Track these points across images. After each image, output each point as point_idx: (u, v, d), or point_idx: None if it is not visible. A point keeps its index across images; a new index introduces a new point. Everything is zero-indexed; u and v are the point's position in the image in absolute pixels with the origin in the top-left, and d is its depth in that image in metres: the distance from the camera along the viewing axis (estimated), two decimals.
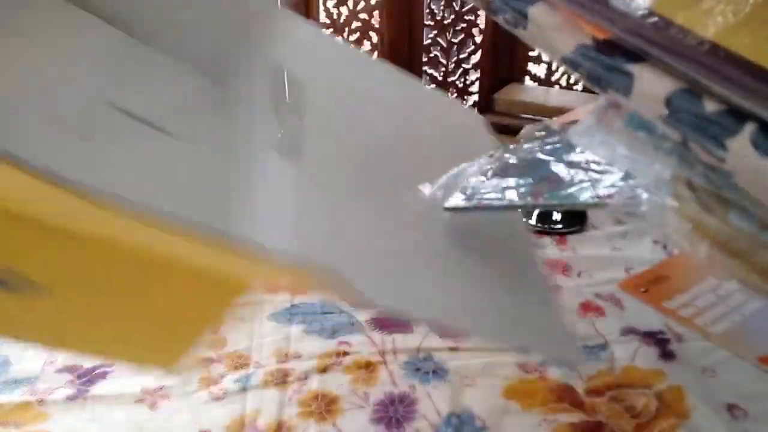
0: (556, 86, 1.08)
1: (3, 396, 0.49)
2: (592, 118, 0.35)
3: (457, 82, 1.09)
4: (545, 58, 1.07)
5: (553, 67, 1.07)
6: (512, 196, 0.40)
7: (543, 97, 0.96)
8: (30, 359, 0.53)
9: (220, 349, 0.54)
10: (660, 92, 0.24)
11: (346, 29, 1.03)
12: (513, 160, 0.43)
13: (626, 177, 0.30)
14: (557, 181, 0.40)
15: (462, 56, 1.08)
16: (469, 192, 0.41)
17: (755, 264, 0.25)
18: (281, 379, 0.50)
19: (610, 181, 0.33)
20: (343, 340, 0.54)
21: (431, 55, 1.07)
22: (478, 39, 1.07)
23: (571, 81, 1.08)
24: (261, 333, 0.55)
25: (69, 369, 0.52)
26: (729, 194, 0.24)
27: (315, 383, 0.50)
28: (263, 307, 0.59)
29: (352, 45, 1.04)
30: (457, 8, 1.03)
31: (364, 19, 1.03)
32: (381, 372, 0.50)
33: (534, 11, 0.31)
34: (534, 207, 0.41)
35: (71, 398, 0.49)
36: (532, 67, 1.08)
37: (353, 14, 1.02)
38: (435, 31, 1.05)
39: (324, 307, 0.58)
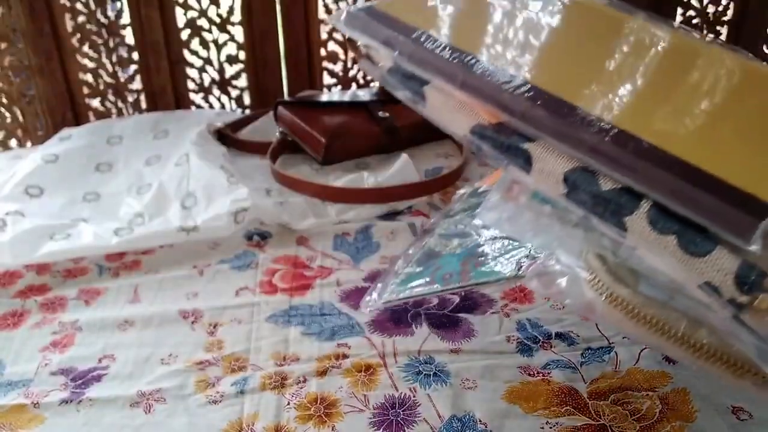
0: None
1: None
2: (497, 193, 0.36)
3: None
4: None
5: None
6: (440, 280, 0.42)
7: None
8: (24, 361, 0.52)
9: (217, 351, 0.53)
10: (557, 170, 0.25)
11: None
12: (437, 245, 0.45)
13: (540, 250, 0.31)
14: (481, 256, 0.41)
15: None
16: (397, 286, 0.43)
17: (668, 331, 0.26)
18: (279, 382, 0.49)
19: (526, 253, 0.34)
20: (342, 342, 0.53)
21: None
22: None
23: None
24: (259, 335, 0.55)
25: (63, 372, 0.51)
26: (636, 265, 0.25)
27: (314, 386, 0.49)
28: (261, 308, 0.58)
29: None
30: None
31: None
32: (381, 375, 0.50)
33: (429, 92, 0.32)
34: (462, 288, 0.43)
35: (66, 401, 0.48)
36: None
37: None
38: None
39: (323, 308, 0.58)
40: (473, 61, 0.31)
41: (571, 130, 0.25)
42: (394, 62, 0.34)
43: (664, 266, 0.23)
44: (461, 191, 0.44)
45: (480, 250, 0.41)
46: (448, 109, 0.31)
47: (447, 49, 0.32)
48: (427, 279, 0.44)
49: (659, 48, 0.35)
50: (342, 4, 1.00)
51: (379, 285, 0.45)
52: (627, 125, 0.26)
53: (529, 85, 0.29)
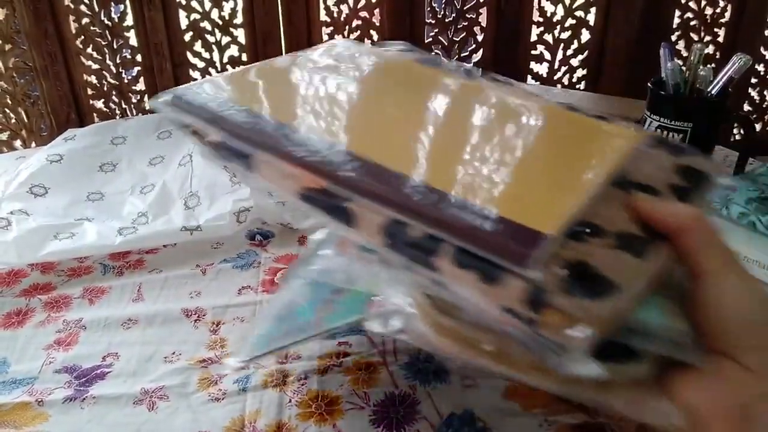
0: (558, 85, 1.08)
1: (1, 396, 0.49)
2: (331, 250, 0.40)
3: None
4: (547, 56, 1.06)
5: (555, 66, 1.07)
6: (296, 331, 0.46)
7: (545, 96, 0.96)
8: (29, 359, 0.53)
9: (219, 349, 0.53)
10: (376, 225, 0.30)
11: (347, 27, 1.02)
12: (295, 295, 0.48)
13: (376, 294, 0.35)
14: (333, 302, 0.46)
15: (463, 54, 1.07)
16: (260, 341, 0.45)
17: (491, 354, 0.30)
18: (281, 380, 0.50)
19: (364, 299, 0.37)
20: (343, 340, 0.54)
21: (432, 53, 1.06)
22: (480, 37, 1.06)
23: (574, 80, 1.08)
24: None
25: (68, 370, 0.52)
26: (453, 299, 0.29)
27: (315, 384, 0.49)
28: (263, 307, 0.58)
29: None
30: (458, 6, 1.03)
31: (365, 17, 1.02)
32: (381, 373, 0.50)
33: (258, 163, 0.35)
34: (315, 337, 0.47)
35: (70, 399, 0.48)
36: (534, 65, 1.07)
37: (354, 12, 1.01)
38: (436, 29, 1.04)
39: None
40: (292, 132, 0.35)
41: (383, 189, 0.30)
42: (221, 138, 0.37)
43: (472, 298, 0.28)
44: (315, 236, 0.47)
45: (330, 297, 0.46)
46: (277, 177, 0.34)
47: (269, 122, 0.36)
48: (284, 332, 0.47)
49: (462, 100, 0.40)
50: (343, 7, 1.01)
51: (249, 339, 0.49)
52: (430, 179, 0.31)
53: (344, 151, 0.33)
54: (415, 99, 0.40)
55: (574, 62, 1.07)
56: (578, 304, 0.25)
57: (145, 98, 1.00)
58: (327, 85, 0.41)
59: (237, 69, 0.43)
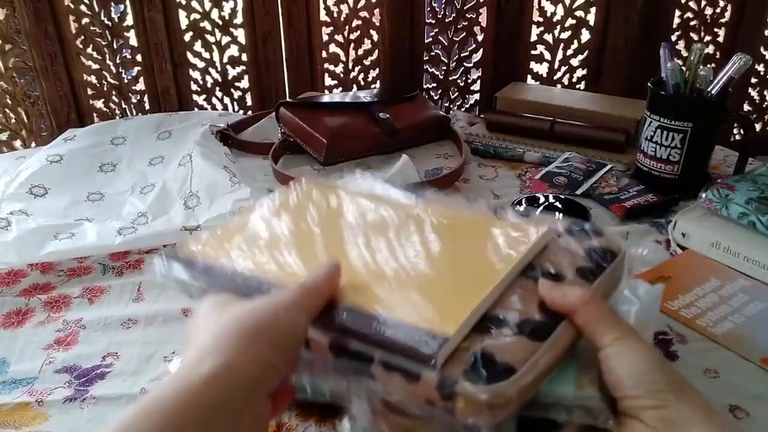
0: (558, 85, 1.08)
1: (1, 396, 0.49)
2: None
3: (459, 81, 1.09)
4: (547, 56, 1.06)
5: (555, 66, 1.07)
6: None
7: (545, 96, 0.96)
8: (29, 359, 0.53)
9: None
10: (324, 344, 0.35)
11: (347, 27, 1.02)
12: None
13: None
14: None
15: (464, 55, 1.07)
16: None
17: None
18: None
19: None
20: None
21: (432, 53, 1.06)
22: (480, 37, 1.06)
23: (574, 80, 1.08)
24: None
25: (67, 370, 0.52)
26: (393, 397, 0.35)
27: None
28: None
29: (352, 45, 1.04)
30: (458, 6, 1.03)
31: (365, 17, 1.02)
32: None
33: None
34: None
35: (70, 399, 0.48)
36: (534, 65, 1.07)
37: (354, 12, 1.01)
38: (436, 29, 1.04)
39: None
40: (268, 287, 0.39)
41: (322, 317, 0.35)
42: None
43: (402, 395, 0.33)
44: None
45: None
46: None
47: (247, 278, 0.40)
48: None
49: (376, 221, 0.45)
50: (343, 7, 1.01)
51: None
52: (356, 302, 0.36)
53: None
54: (334, 231, 0.45)
55: (574, 62, 1.07)
56: (480, 389, 0.31)
57: (146, 98, 1.00)
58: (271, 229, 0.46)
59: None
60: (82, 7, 0.92)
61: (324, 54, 1.04)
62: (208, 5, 0.97)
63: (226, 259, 0.42)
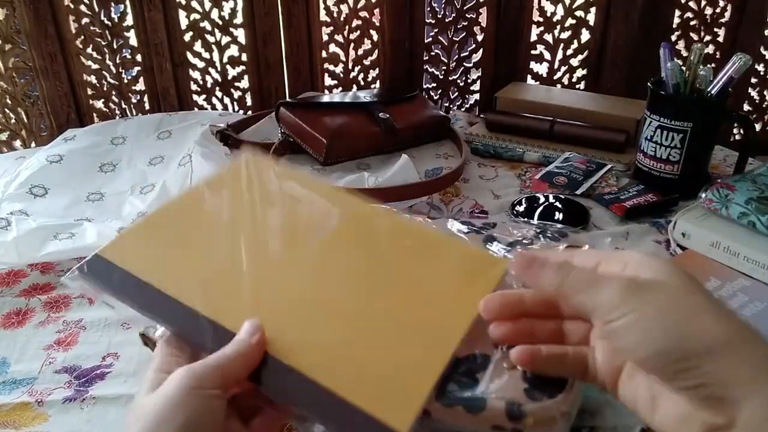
0: (558, 85, 1.08)
1: (1, 397, 0.49)
2: None
3: (459, 81, 1.09)
4: (547, 56, 1.06)
5: (555, 66, 1.07)
6: None
7: (545, 95, 0.96)
8: (29, 360, 0.53)
9: None
10: (296, 417, 0.35)
11: (347, 27, 1.02)
12: None
13: None
14: None
15: (463, 54, 1.07)
16: None
17: None
18: None
19: None
20: None
21: (432, 53, 1.06)
22: (480, 37, 1.06)
23: (574, 80, 1.08)
24: None
25: (67, 370, 0.52)
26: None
27: None
28: None
29: (352, 45, 1.04)
30: (458, 6, 1.03)
31: (365, 17, 1.02)
32: None
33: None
34: None
35: (69, 399, 0.48)
36: (534, 65, 1.07)
37: (354, 12, 1.01)
38: (436, 29, 1.04)
39: None
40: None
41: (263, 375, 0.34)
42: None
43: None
44: None
45: None
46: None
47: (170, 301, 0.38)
48: None
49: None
50: (343, 7, 1.01)
51: None
52: (291, 359, 0.34)
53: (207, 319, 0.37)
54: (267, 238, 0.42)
55: (574, 62, 1.07)
56: (548, 404, 0.33)
57: (145, 98, 1.00)
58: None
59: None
60: (82, 7, 0.92)
61: (324, 54, 1.04)
62: (208, 5, 0.97)
63: (146, 273, 0.39)
